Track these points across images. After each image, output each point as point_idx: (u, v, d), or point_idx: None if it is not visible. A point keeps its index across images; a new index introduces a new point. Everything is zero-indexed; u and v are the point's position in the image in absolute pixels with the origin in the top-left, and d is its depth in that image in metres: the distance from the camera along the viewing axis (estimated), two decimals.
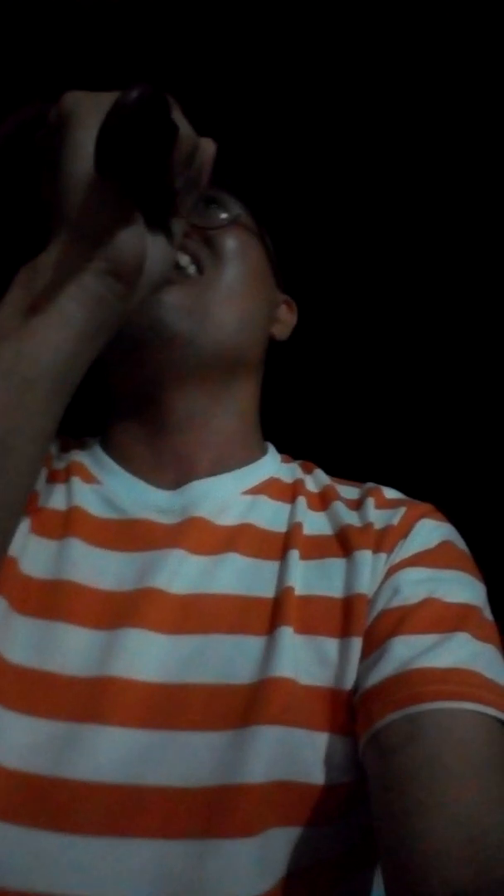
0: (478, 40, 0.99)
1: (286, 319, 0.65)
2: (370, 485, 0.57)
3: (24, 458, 0.37)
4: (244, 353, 0.56)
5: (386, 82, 1.06)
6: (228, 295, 0.54)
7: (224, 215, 0.56)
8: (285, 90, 1.07)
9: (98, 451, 0.56)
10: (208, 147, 0.42)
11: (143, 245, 0.39)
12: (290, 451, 0.63)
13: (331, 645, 0.45)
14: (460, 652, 0.42)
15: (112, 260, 0.38)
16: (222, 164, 0.43)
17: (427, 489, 0.59)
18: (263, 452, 0.59)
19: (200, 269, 0.54)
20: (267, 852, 0.38)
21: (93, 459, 0.55)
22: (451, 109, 1.09)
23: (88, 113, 0.37)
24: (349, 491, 0.57)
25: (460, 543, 0.53)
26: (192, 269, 0.53)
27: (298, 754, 0.41)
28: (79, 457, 0.55)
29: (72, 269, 0.38)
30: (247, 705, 0.41)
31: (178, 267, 0.52)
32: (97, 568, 0.47)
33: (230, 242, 0.55)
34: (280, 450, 0.62)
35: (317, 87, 1.07)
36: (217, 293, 0.53)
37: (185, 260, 0.53)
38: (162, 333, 0.51)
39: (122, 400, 0.57)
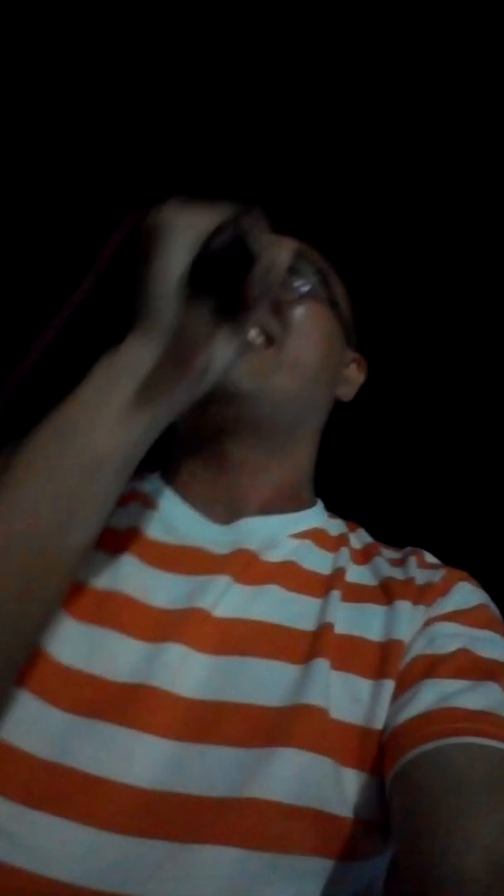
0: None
1: (353, 379, 0.68)
2: (411, 548, 0.60)
3: (89, 521, 0.40)
4: (302, 419, 0.60)
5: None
6: (292, 364, 0.57)
7: (298, 284, 0.59)
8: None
9: (159, 483, 0.61)
10: (283, 256, 0.45)
11: (213, 350, 0.43)
12: (338, 511, 0.66)
13: (364, 685, 0.47)
14: (490, 698, 0.43)
15: (190, 366, 0.42)
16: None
17: (462, 556, 0.61)
18: (312, 504, 0.63)
19: (269, 340, 0.57)
20: (287, 869, 0.39)
21: (154, 489, 0.60)
22: None
23: (182, 233, 0.41)
24: (390, 552, 0.60)
25: (495, 610, 0.55)
26: (259, 341, 0.57)
27: (320, 782, 0.42)
28: (140, 487, 0.61)
29: (163, 378, 0.41)
30: (274, 727, 0.43)
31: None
32: (149, 585, 0.50)
33: (299, 313, 0.59)
34: (328, 508, 0.65)
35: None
36: (281, 362, 0.57)
37: (252, 332, 0.55)
38: (224, 393, 0.53)
39: (187, 441, 0.62)
